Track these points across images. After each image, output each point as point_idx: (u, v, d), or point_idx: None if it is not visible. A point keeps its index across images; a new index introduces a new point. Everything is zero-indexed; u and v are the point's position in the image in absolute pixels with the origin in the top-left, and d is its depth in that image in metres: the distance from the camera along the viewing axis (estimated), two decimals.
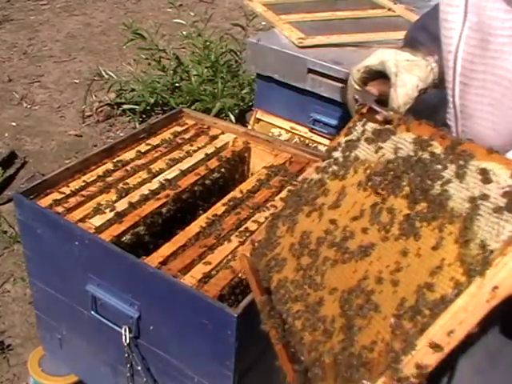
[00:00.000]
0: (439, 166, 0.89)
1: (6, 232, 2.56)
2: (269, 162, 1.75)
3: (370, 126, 1.10)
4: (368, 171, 1.03)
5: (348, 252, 0.96)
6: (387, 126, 1.06)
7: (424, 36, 1.13)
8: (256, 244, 1.19)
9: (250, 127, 2.43)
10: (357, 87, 1.15)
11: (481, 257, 0.74)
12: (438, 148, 0.92)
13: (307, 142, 2.32)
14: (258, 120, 2.46)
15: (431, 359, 0.73)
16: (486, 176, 0.81)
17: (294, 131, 2.35)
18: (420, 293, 0.78)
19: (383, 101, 1.11)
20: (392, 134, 1.03)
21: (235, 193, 1.62)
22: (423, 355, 0.74)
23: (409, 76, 1.08)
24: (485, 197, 0.80)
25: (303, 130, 2.33)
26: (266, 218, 1.49)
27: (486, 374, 1.10)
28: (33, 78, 3.95)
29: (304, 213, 1.11)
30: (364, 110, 1.13)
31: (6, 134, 3.32)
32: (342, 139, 1.15)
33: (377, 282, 0.87)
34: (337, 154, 1.14)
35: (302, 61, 2.18)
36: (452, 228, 0.81)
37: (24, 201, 1.50)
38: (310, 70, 2.17)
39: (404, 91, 1.08)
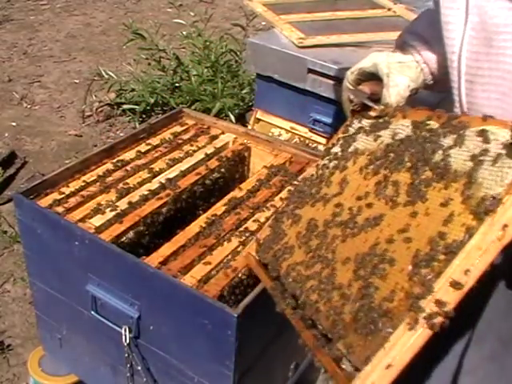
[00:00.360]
0: (438, 138, 0.93)
1: (6, 232, 2.56)
2: (269, 162, 1.75)
3: (366, 121, 1.14)
4: (369, 157, 1.06)
5: (357, 226, 0.97)
6: (383, 118, 1.09)
7: (414, 39, 1.18)
8: (261, 241, 1.19)
9: (250, 127, 2.43)
10: (350, 87, 1.20)
11: (489, 200, 0.77)
12: (435, 125, 0.96)
13: (307, 142, 2.32)
14: (258, 120, 2.46)
15: (451, 297, 0.75)
16: (484, 136, 0.86)
17: (293, 131, 2.35)
18: (433, 242, 0.81)
19: (375, 100, 1.15)
20: (389, 124, 1.07)
21: (235, 193, 1.62)
22: (443, 294, 0.75)
23: (400, 77, 1.14)
24: (485, 152, 0.83)
25: (303, 130, 2.33)
26: (267, 218, 1.49)
27: (500, 359, 1.11)
28: (33, 78, 3.95)
29: (308, 204, 1.12)
30: (357, 108, 1.17)
31: (6, 134, 3.32)
32: (340, 136, 1.17)
33: (389, 243, 0.88)
34: (336, 150, 1.16)
35: (302, 61, 2.18)
36: (457, 185, 0.84)
37: (24, 201, 1.50)
38: (310, 70, 2.17)
39: (396, 91, 1.12)
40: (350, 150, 1.12)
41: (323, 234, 1.04)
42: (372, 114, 1.13)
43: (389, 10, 2.59)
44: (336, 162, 1.14)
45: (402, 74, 1.14)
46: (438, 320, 0.74)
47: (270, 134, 2.32)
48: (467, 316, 1.21)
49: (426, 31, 1.16)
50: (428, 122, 0.98)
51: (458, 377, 1.17)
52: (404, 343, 0.75)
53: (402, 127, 1.03)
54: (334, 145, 1.18)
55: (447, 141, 0.92)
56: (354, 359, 0.81)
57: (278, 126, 2.40)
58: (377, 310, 0.82)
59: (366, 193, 1.00)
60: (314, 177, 1.17)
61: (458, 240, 0.78)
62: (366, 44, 2.22)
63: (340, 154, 1.14)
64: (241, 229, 1.47)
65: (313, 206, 1.11)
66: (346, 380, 0.81)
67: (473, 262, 0.75)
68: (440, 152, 0.91)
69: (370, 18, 2.53)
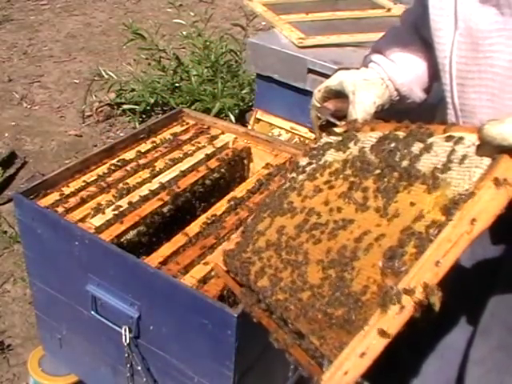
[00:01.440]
0: (406, 146, 0.96)
1: (6, 232, 2.56)
2: (269, 162, 1.75)
3: (334, 136, 1.16)
4: (338, 167, 1.08)
5: (327, 230, 0.98)
6: (351, 132, 1.12)
7: (379, 57, 1.22)
8: (228, 252, 1.19)
9: (250, 127, 2.43)
10: (317, 105, 1.22)
11: (457, 197, 0.80)
12: (403, 135, 0.99)
13: (307, 142, 2.32)
14: (258, 120, 2.46)
15: (422, 287, 0.76)
16: (451, 141, 0.89)
17: (293, 131, 2.35)
18: (404, 238, 0.83)
19: (341, 116, 1.18)
20: (357, 137, 1.09)
21: (235, 193, 1.62)
22: (415, 284, 0.77)
23: (366, 93, 1.16)
24: (452, 153, 0.86)
25: (303, 130, 2.33)
26: None
27: (508, 348, 1.13)
28: (33, 78, 3.95)
29: (278, 214, 1.13)
30: (324, 123, 1.21)
31: (6, 134, 3.32)
32: (308, 151, 1.21)
33: (359, 242, 0.90)
34: (304, 163, 1.18)
35: (302, 61, 2.18)
36: (425, 186, 0.87)
37: (24, 201, 1.50)
38: (310, 70, 2.17)
39: (362, 108, 1.14)
40: (318, 162, 1.14)
41: (293, 239, 1.04)
42: (338, 129, 1.15)
43: (389, 10, 2.59)
44: (305, 174, 1.15)
45: (367, 90, 1.16)
46: (410, 310, 0.76)
47: (270, 134, 2.32)
48: (469, 310, 1.22)
49: (390, 49, 1.20)
50: (396, 133, 1.00)
51: (464, 368, 1.18)
52: (376, 334, 0.76)
53: (371, 139, 1.05)
54: (302, 159, 1.21)
55: (415, 148, 0.94)
56: (326, 351, 0.82)
57: (278, 126, 2.40)
58: (349, 303, 0.83)
59: (336, 199, 1.02)
60: (283, 189, 1.18)
61: (429, 233, 0.80)
62: (365, 44, 2.21)
63: (309, 166, 1.16)
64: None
65: (282, 215, 1.12)
66: (320, 370, 0.82)
67: (443, 253, 0.77)
68: (408, 158, 0.93)
69: (370, 18, 2.53)
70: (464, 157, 0.85)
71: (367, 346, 0.75)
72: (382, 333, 0.75)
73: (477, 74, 0.98)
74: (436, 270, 0.76)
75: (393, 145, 0.98)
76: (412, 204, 0.86)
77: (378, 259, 0.84)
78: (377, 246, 0.86)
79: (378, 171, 0.97)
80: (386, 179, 0.94)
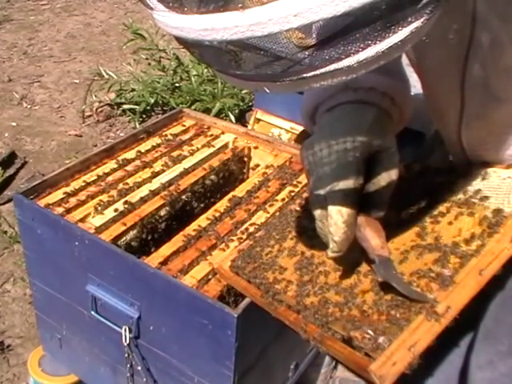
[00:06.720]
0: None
1: (6, 232, 2.56)
2: (269, 162, 1.75)
3: None
4: None
5: None
6: None
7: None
8: (238, 260, 1.18)
9: (250, 127, 2.43)
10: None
11: (497, 217, 0.88)
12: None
13: None
14: (258, 120, 2.46)
15: (466, 294, 0.82)
16: (486, 173, 0.96)
17: (293, 131, 2.35)
18: (447, 249, 0.87)
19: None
20: None
21: (235, 193, 1.62)
22: (459, 289, 0.81)
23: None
24: (488, 183, 0.94)
25: None
26: (267, 218, 1.50)
27: None
28: (33, 78, 3.95)
29: (301, 234, 1.12)
30: None
31: (6, 134, 3.32)
32: None
33: (397, 253, 0.92)
34: None
35: None
36: (462, 209, 0.93)
37: (24, 201, 1.50)
38: None
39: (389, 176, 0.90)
40: None
41: (322, 250, 1.02)
42: None
43: None
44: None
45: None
46: (452, 313, 0.80)
47: (270, 134, 2.32)
48: (469, 314, 1.21)
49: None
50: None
51: (466, 372, 1.17)
52: (425, 329, 0.79)
53: None
54: None
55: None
56: (368, 344, 0.82)
57: (278, 126, 2.40)
58: (392, 304, 0.85)
59: None
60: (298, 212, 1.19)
61: (472, 246, 0.86)
62: None
63: None
64: (241, 229, 1.48)
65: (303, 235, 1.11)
66: (366, 360, 0.81)
67: (487, 264, 0.83)
68: (443, 185, 0.98)
69: None
70: (499, 186, 0.92)
71: (416, 340, 0.78)
72: (430, 329, 0.79)
73: (493, 145, 0.98)
74: (479, 278, 0.82)
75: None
76: (450, 223, 0.92)
77: (417, 267, 0.87)
78: (414, 256, 0.89)
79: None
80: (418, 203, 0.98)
